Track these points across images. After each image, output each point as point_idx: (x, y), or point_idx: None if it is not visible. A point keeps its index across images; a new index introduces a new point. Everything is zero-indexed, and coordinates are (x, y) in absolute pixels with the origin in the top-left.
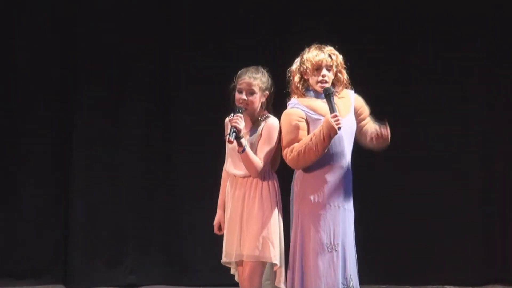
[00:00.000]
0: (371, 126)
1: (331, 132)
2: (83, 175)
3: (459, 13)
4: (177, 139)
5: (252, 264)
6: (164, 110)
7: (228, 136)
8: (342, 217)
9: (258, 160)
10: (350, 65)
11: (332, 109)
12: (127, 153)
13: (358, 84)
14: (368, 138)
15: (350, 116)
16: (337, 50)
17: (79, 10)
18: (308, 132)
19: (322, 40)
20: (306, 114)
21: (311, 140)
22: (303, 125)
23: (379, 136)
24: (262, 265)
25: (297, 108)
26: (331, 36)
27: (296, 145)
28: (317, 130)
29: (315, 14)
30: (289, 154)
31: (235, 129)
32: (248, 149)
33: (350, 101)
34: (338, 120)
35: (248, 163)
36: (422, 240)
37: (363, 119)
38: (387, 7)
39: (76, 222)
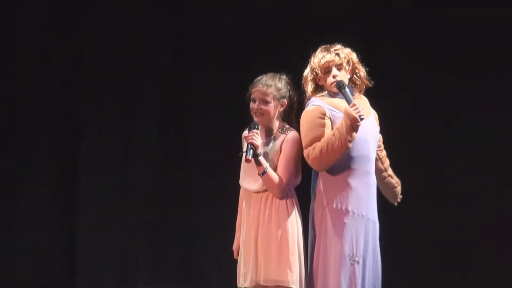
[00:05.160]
0: (386, 164)
1: (353, 123)
2: (92, 199)
3: None
4: (193, 157)
5: None
6: (178, 128)
7: (245, 154)
8: (365, 228)
9: (280, 180)
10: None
11: (348, 99)
12: (139, 175)
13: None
14: (381, 180)
15: (372, 118)
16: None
17: (86, 30)
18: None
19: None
20: (328, 111)
21: (333, 135)
22: (326, 122)
23: (393, 193)
24: None
25: (318, 105)
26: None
27: (318, 143)
28: (338, 124)
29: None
30: (311, 153)
31: (252, 146)
32: (269, 170)
33: (369, 106)
34: (357, 108)
35: (270, 183)
36: (460, 250)
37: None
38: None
39: (83, 245)
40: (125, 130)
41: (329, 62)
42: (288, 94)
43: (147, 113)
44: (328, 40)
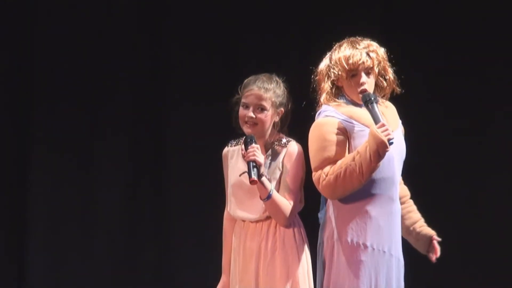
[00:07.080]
0: (414, 210)
1: (380, 148)
2: (44, 216)
3: None
4: (170, 180)
5: None
6: (153, 140)
7: (249, 175)
8: (387, 265)
9: (287, 203)
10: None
11: (376, 118)
12: (105, 199)
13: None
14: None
15: (399, 132)
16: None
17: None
18: (350, 149)
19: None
20: (345, 124)
21: (353, 159)
22: (341, 139)
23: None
24: None
25: (332, 117)
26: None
27: (333, 166)
28: (361, 146)
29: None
30: (322, 178)
31: (255, 165)
32: (275, 193)
33: (396, 115)
34: (387, 130)
35: (275, 209)
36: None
37: None
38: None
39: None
40: (86, 134)
41: (358, 64)
42: (285, 102)
43: (116, 115)
44: (329, 37)
